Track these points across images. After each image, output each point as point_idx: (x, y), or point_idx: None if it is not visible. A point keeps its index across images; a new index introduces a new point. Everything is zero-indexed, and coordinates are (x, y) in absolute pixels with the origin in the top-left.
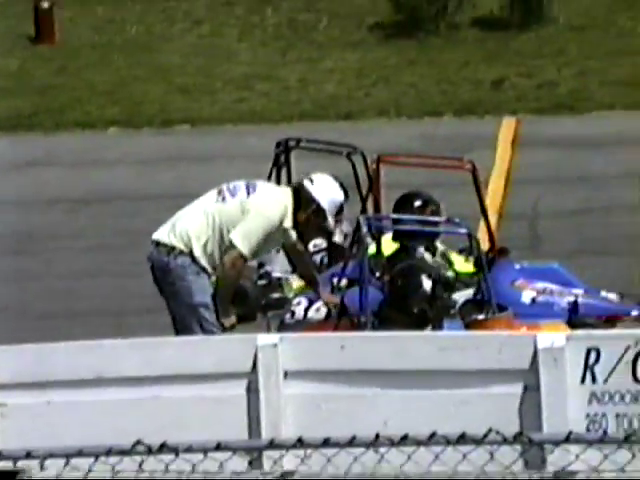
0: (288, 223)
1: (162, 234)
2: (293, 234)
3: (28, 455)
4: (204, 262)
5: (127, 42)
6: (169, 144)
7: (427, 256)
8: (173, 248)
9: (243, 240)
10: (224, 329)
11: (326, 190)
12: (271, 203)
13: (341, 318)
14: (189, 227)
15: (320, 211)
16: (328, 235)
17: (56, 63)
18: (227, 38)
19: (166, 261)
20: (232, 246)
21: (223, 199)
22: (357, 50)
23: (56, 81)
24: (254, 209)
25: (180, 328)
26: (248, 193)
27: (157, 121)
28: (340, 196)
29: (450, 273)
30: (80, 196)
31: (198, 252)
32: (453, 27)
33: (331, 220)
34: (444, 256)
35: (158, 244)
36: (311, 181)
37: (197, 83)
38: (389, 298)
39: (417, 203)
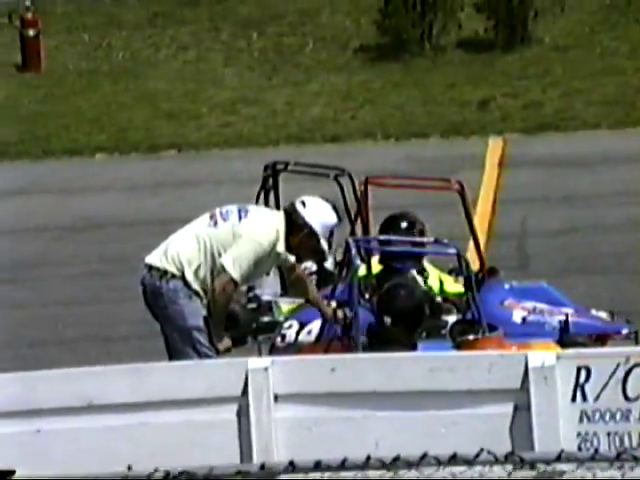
0: (281, 247)
1: (154, 258)
2: (290, 257)
3: None
4: (196, 286)
5: (113, 68)
6: (156, 169)
7: (419, 279)
8: (165, 272)
9: (234, 264)
10: (218, 353)
11: (318, 213)
12: (263, 227)
13: (346, 333)
14: (181, 251)
15: (313, 234)
16: (320, 258)
17: (42, 91)
18: (213, 63)
19: (158, 285)
20: (223, 270)
21: (215, 223)
22: (343, 73)
23: (43, 109)
24: (245, 233)
25: (173, 352)
26: (240, 218)
27: (144, 147)
28: (332, 219)
29: (438, 298)
30: (68, 223)
31: (190, 276)
32: (438, 49)
33: (324, 243)
34: (433, 277)
35: (151, 268)
36: (303, 204)
37: (183, 108)
38: (379, 316)
39: (404, 224)
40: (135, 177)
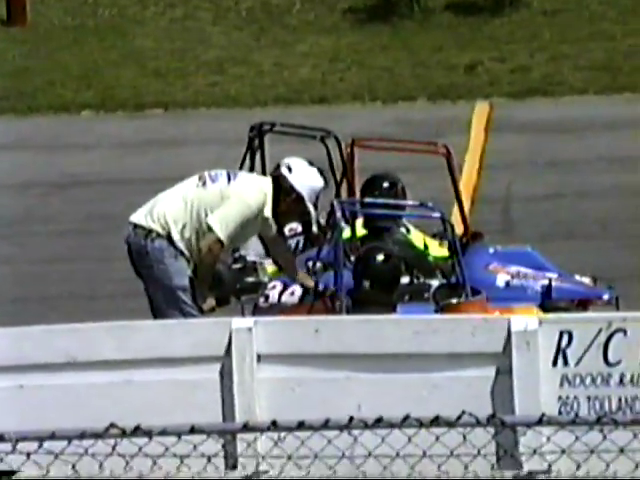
0: (268, 212)
1: (140, 217)
2: (273, 225)
3: (1, 438)
4: (181, 246)
5: (100, 25)
6: (142, 128)
7: (407, 235)
8: (150, 231)
9: (221, 225)
10: (203, 312)
11: (305, 178)
12: (251, 190)
13: (316, 300)
14: (167, 211)
15: (299, 199)
16: (307, 222)
17: (28, 46)
18: (201, 22)
19: (143, 244)
20: (210, 230)
21: (204, 184)
22: (331, 34)
23: (28, 64)
24: (234, 195)
25: (157, 311)
26: (229, 180)
27: (130, 105)
28: (319, 183)
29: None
30: (53, 180)
31: (176, 236)
32: (427, 11)
33: (311, 207)
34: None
35: (136, 227)
36: (289, 169)
37: (170, 67)
38: (355, 279)
39: (385, 184)
40: (121, 135)
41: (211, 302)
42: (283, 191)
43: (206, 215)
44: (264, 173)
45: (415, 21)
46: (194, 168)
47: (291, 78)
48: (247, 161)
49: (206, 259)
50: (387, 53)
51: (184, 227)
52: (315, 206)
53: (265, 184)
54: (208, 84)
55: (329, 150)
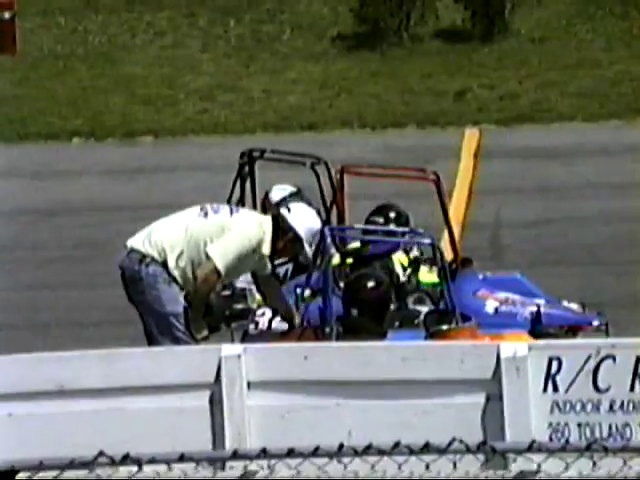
0: (266, 249)
1: (137, 241)
2: (268, 264)
3: None
4: (176, 273)
5: (89, 53)
6: (132, 155)
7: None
8: (145, 256)
9: (220, 255)
10: (196, 340)
11: (303, 219)
12: (252, 226)
13: (304, 330)
14: (165, 237)
15: (297, 239)
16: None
17: (18, 74)
18: (190, 49)
19: (137, 269)
20: (208, 259)
21: (205, 214)
22: (320, 61)
23: (18, 92)
24: (235, 228)
25: (150, 336)
26: (231, 213)
27: (120, 132)
28: (317, 224)
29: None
30: (43, 207)
31: (171, 263)
32: (416, 39)
33: (307, 249)
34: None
35: (131, 251)
36: (288, 210)
37: (160, 94)
38: (345, 306)
39: (391, 214)
40: (111, 162)
41: (204, 332)
42: (281, 230)
43: (205, 245)
44: (254, 200)
45: (404, 48)
46: (184, 195)
47: (280, 105)
48: (237, 187)
49: (202, 288)
50: (376, 80)
51: (180, 255)
52: (311, 245)
53: (265, 222)
54: (198, 111)
55: (319, 177)
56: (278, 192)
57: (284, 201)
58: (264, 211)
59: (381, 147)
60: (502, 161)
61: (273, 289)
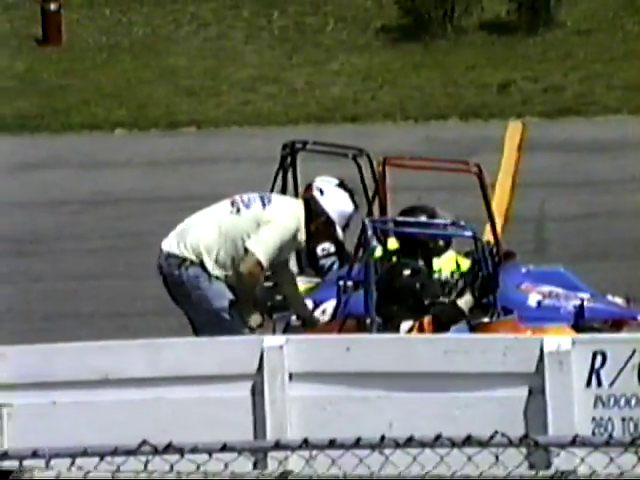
0: (302, 235)
1: (172, 245)
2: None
3: (34, 454)
4: (217, 272)
5: (134, 44)
6: (175, 146)
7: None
8: (184, 260)
9: (261, 248)
10: (252, 330)
11: (336, 201)
12: (287, 214)
13: (347, 322)
14: (200, 238)
15: (329, 222)
16: (339, 245)
17: (63, 65)
18: (233, 40)
19: (177, 274)
20: (249, 254)
21: (238, 211)
22: (363, 53)
23: (63, 83)
24: (271, 219)
25: (202, 335)
26: (263, 205)
27: (163, 123)
28: (349, 207)
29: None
30: (86, 198)
31: (209, 264)
32: (460, 30)
33: (340, 231)
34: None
35: (169, 256)
36: (321, 192)
37: (203, 85)
38: (380, 295)
39: (422, 218)
40: (154, 153)
41: (258, 318)
42: (314, 213)
43: (242, 241)
44: (296, 191)
45: (448, 40)
46: (226, 186)
47: (323, 97)
48: (279, 179)
49: (247, 282)
50: (419, 72)
51: (218, 254)
52: (344, 229)
53: (298, 207)
54: (240, 102)
55: (361, 168)
56: (321, 184)
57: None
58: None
59: (423, 139)
60: (546, 154)
61: (287, 275)
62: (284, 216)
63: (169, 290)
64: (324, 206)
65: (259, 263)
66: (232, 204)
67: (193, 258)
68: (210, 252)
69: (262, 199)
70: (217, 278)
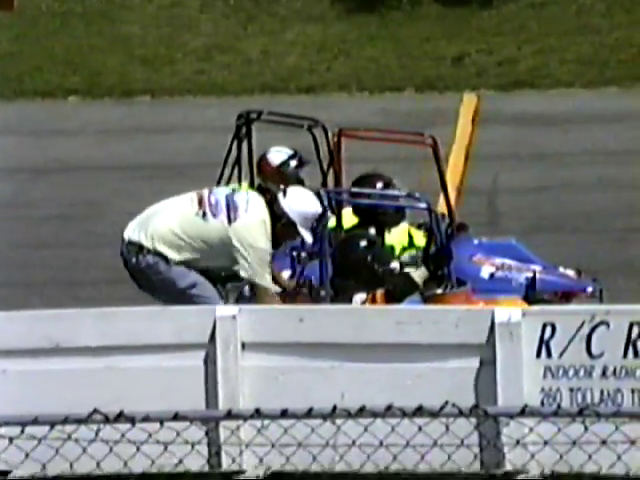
0: (269, 240)
1: (132, 233)
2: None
3: None
4: (177, 260)
5: (87, 11)
6: (129, 114)
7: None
8: (141, 247)
9: (258, 276)
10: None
11: (297, 204)
12: (258, 233)
13: (300, 292)
14: (161, 230)
15: (291, 224)
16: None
17: (15, 31)
18: (188, 9)
19: (135, 261)
20: (262, 288)
21: (204, 215)
22: (319, 24)
23: (14, 49)
24: (246, 244)
25: None
26: (229, 219)
27: (117, 91)
28: (312, 208)
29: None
30: (39, 165)
31: (169, 254)
32: (415, 2)
33: (304, 232)
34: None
35: (128, 243)
36: (284, 194)
37: (157, 54)
38: (334, 268)
39: (379, 184)
40: (108, 121)
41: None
42: (276, 215)
43: (204, 244)
44: (251, 161)
45: (403, 12)
46: (180, 155)
47: (278, 67)
48: (234, 149)
49: (271, 303)
50: (375, 43)
51: (180, 250)
52: (313, 230)
53: (262, 212)
54: (195, 71)
55: (316, 139)
56: (275, 154)
57: (285, 165)
58: (260, 172)
59: (379, 111)
60: (500, 127)
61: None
62: (256, 234)
63: (133, 278)
64: (285, 208)
65: (266, 288)
66: (199, 204)
67: (150, 247)
68: (170, 246)
69: (228, 207)
70: (176, 263)
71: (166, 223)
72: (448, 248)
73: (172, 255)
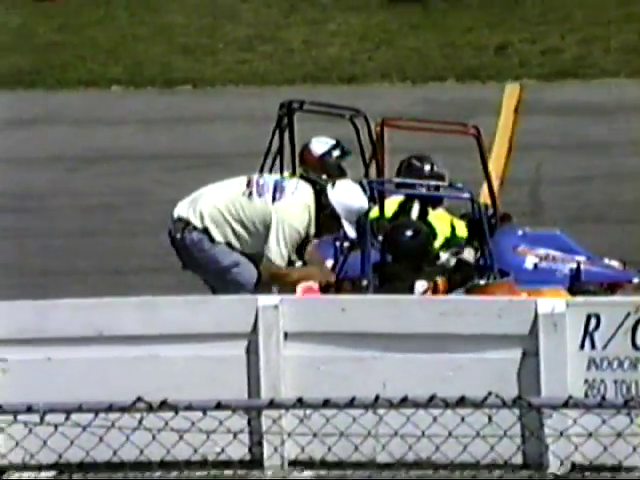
0: (312, 229)
1: (181, 209)
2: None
3: (29, 409)
4: (221, 240)
5: (130, 0)
6: (171, 104)
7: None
8: (188, 223)
9: (278, 255)
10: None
11: (344, 196)
12: (297, 212)
13: (342, 282)
14: (209, 211)
15: (335, 216)
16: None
17: (58, 20)
18: None
19: (180, 237)
20: (268, 260)
21: (250, 194)
22: (361, 13)
23: (58, 38)
24: (283, 220)
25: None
26: (274, 198)
27: (159, 81)
28: (358, 203)
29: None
30: (81, 154)
31: (214, 233)
32: None
33: (347, 225)
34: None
35: (176, 220)
36: (333, 185)
37: (199, 43)
38: (384, 255)
39: (427, 168)
40: (150, 111)
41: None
42: (323, 205)
43: (247, 224)
44: (293, 151)
45: (446, 1)
46: (221, 145)
47: (320, 56)
48: (275, 139)
49: (278, 283)
50: (417, 33)
51: (224, 229)
52: (357, 224)
53: (308, 198)
54: (237, 61)
55: (358, 129)
56: (317, 144)
57: (327, 155)
58: (302, 162)
59: (421, 101)
60: (543, 117)
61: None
62: (296, 216)
63: (178, 255)
64: (331, 200)
65: (279, 265)
66: (247, 184)
67: (198, 224)
68: (217, 224)
69: (275, 188)
70: (219, 243)
71: (213, 202)
72: (492, 239)
73: (216, 234)
